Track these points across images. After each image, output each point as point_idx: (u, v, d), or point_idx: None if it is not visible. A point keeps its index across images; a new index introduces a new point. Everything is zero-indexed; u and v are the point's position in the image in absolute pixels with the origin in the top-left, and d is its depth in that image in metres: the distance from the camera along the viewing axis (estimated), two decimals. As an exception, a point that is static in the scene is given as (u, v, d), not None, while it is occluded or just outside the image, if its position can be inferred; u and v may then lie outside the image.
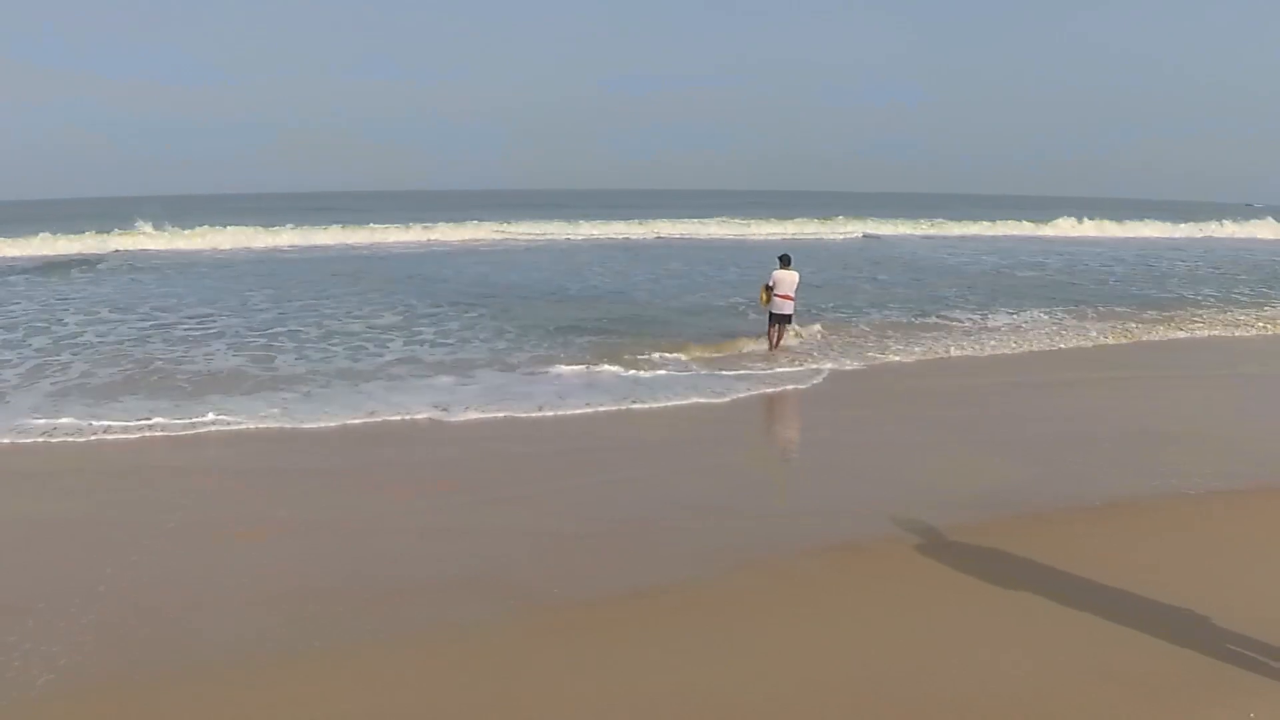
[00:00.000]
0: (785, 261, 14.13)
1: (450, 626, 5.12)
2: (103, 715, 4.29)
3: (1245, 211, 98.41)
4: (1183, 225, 54.13)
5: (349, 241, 37.39)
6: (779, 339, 13.86)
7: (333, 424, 9.59)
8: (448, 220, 44.73)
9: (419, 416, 9.89)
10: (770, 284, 13.87)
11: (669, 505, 7.27)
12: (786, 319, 13.88)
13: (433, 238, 39.43)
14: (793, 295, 13.81)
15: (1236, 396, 11.74)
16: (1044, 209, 75.06)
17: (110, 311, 17.43)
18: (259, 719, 4.20)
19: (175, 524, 6.75)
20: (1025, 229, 50.13)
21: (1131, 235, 49.34)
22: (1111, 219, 56.38)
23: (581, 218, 49.28)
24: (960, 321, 16.98)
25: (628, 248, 35.61)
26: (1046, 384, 12.24)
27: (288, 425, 9.54)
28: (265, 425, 9.51)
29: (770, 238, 40.99)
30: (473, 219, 46.70)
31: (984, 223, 51.93)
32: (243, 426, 9.45)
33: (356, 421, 9.66)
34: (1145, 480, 7.85)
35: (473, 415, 9.94)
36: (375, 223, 42.49)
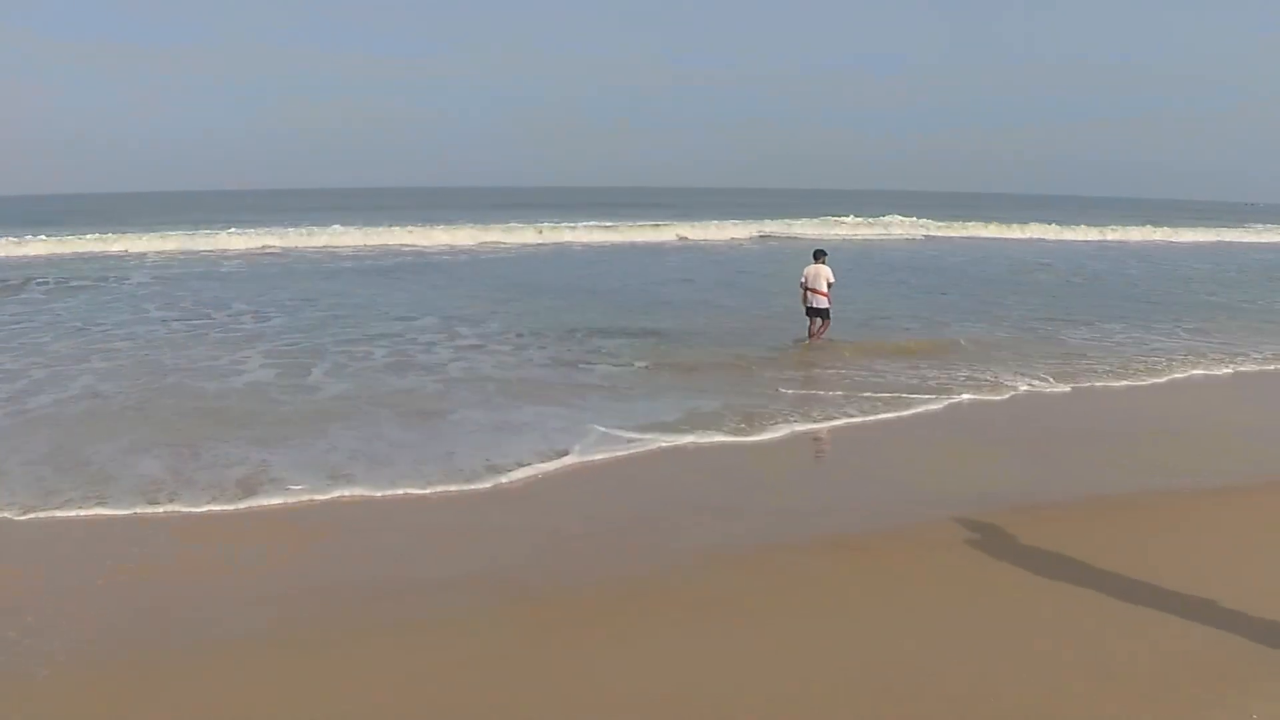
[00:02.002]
0: (817, 256, 14.36)
1: (449, 624, 5.10)
2: (102, 709, 4.29)
3: (1247, 211, 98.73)
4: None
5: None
6: (820, 332, 13.94)
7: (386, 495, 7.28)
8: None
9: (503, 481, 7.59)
10: (802, 280, 14.09)
11: (671, 504, 7.25)
12: (821, 313, 13.98)
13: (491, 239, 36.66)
14: (824, 290, 13.93)
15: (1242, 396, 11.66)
16: (1038, 209, 74.05)
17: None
18: (258, 716, 4.19)
19: (174, 521, 6.66)
20: (1052, 231, 48.20)
21: (1172, 240, 47.80)
22: (1114, 221, 55.06)
23: (616, 218, 47.08)
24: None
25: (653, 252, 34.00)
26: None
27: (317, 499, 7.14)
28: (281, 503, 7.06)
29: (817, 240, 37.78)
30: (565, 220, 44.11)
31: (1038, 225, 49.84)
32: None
33: (417, 493, 7.27)
34: (1146, 478, 7.90)
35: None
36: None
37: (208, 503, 6.91)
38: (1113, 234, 48.16)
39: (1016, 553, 6.01)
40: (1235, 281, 26.22)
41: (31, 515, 6.68)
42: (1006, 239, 45.12)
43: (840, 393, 10.62)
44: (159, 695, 4.38)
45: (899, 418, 9.79)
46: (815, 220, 49.11)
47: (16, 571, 5.92)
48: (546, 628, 5.05)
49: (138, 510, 6.78)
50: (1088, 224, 51.22)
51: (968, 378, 11.64)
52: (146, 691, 4.42)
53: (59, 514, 6.71)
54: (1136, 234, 49.25)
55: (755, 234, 42.21)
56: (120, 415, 9.46)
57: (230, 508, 6.85)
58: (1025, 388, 11.24)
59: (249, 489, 7.18)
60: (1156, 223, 54.89)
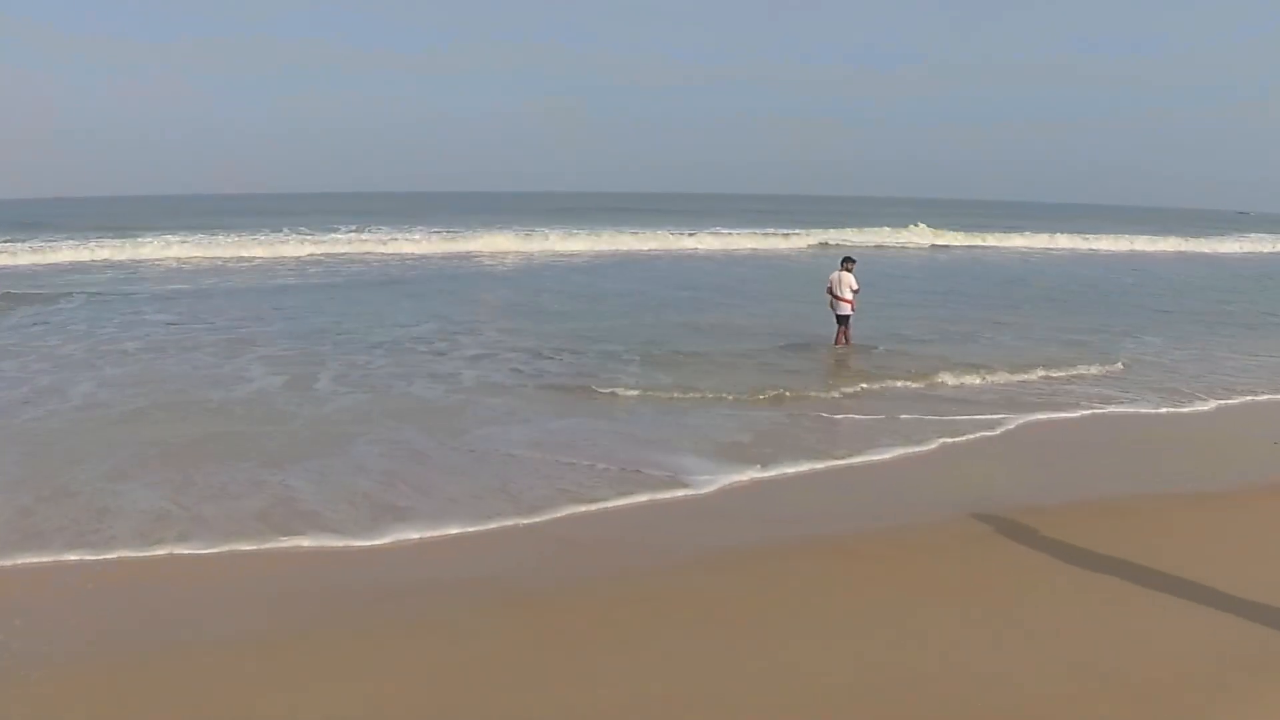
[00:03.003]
0: (845, 263, 14.48)
1: (449, 626, 5.07)
2: (98, 709, 4.25)
3: (1239, 220, 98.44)
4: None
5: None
6: (844, 339, 14.18)
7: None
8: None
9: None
10: (828, 286, 14.35)
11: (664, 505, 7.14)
12: (844, 319, 14.19)
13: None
14: (848, 297, 14.10)
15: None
16: (1025, 218, 72.42)
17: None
18: (257, 715, 4.16)
19: (164, 523, 6.49)
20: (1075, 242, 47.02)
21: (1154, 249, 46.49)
22: (1105, 230, 54.03)
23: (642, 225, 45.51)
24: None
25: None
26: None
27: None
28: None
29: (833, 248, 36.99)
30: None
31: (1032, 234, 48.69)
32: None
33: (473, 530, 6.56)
34: (1136, 482, 7.85)
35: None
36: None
37: (228, 543, 6.17)
38: (1107, 243, 47.34)
39: (1009, 557, 6.06)
40: (1238, 289, 26.24)
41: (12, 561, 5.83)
42: (1000, 248, 44.37)
43: (890, 417, 9.89)
44: (153, 694, 4.34)
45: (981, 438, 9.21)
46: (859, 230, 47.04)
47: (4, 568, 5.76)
48: (546, 631, 5.00)
49: (125, 554, 5.96)
50: (1070, 232, 50.59)
51: (1073, 392, 11.22)
52: (141, 690, 4.37)
53: (43, 560, 5.86)
54: (1127, 243, 48.15)
55: (814, 243, 41.17)
56: (135, 431, 8.73)
57: (257, 547, 6.14)
58: (1128, 408, 10.60)
59: (277, 526, 6.44)
60: (1153, 232, 54.41)
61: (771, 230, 46.32)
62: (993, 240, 46.89)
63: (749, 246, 40.38)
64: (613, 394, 10.68)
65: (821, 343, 14.23)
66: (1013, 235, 48.60)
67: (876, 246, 41.58)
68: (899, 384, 11.41)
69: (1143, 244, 48.50)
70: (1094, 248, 46.06)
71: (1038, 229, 51.82)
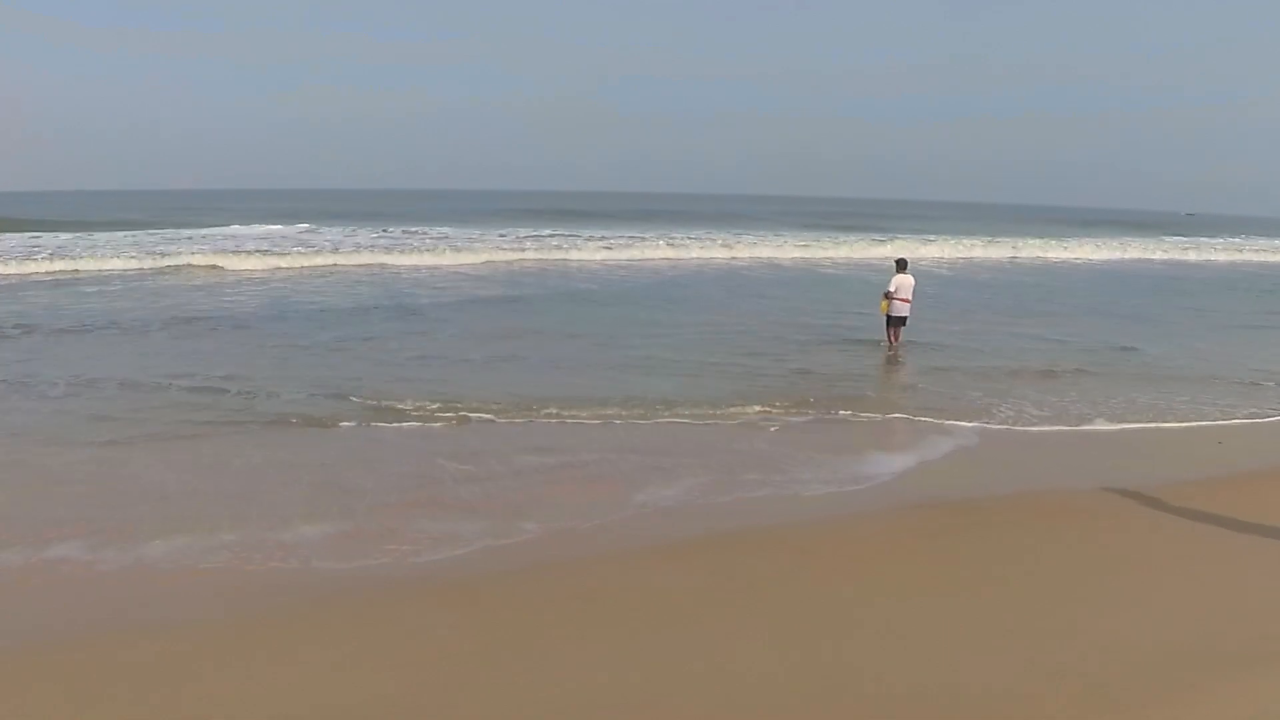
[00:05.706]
0: (902, 265, 14.97)
1: (399, 623, 5.02)
2: (45, 706, 4.16)
3: (1187, 223, 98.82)
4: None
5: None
6: (896, 339, 14.55)
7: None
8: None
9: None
10: (891, 289, 14.50)
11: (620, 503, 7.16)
12: (902, 321, 14.52)
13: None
14: (910, 299, 14.54)
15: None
16: (976, 219, 70.67)
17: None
18: (215, 713, 4.09)
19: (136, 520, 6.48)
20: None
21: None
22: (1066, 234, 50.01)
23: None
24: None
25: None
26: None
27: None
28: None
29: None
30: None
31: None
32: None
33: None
34: (1090, 477, 7.80)
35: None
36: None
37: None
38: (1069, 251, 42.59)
39: (960, 552, 6.13)
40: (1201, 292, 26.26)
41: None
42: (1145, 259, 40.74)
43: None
44: (105, 684, 4.31)
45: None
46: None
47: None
48: (491, 624, 4.98)
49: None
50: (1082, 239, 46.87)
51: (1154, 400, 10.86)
52: (100, 679, 4.34)
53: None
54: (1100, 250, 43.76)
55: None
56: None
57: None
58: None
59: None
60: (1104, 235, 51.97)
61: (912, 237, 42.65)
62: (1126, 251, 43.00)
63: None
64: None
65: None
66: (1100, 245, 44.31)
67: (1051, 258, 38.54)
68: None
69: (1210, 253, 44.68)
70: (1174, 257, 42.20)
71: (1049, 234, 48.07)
